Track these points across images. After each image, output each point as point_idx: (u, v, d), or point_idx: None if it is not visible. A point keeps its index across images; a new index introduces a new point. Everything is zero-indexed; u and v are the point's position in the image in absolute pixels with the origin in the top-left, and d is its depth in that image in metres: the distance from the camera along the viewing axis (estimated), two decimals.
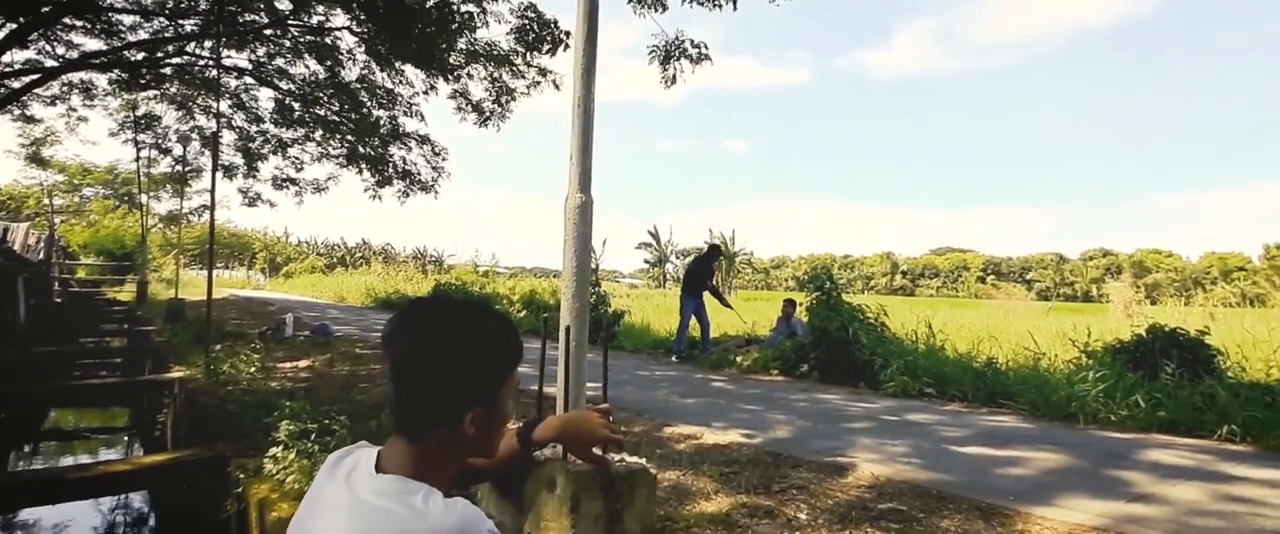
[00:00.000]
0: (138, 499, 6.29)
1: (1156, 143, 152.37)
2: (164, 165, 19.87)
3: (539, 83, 12.63)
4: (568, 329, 1.65)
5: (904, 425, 5.29)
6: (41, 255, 19.27)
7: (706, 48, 9.49)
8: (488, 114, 13.03)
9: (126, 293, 21.93)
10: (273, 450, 3.88)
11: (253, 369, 6.80)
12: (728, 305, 11.11)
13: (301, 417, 4.29)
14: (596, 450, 1.49)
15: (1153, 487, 3.65)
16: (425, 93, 13.61)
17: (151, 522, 6.09)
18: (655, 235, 66.80)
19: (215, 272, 9.75)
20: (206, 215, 21.14)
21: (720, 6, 8.98)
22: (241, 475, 3.83)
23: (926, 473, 3.84)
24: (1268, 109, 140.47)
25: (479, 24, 10.83)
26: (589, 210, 1.76)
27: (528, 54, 11.11)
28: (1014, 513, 3.17)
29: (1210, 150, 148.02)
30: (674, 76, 9.53)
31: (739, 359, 8.89)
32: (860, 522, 3.07)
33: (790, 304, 9.86)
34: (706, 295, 10.09)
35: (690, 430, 4.89)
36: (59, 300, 18.80)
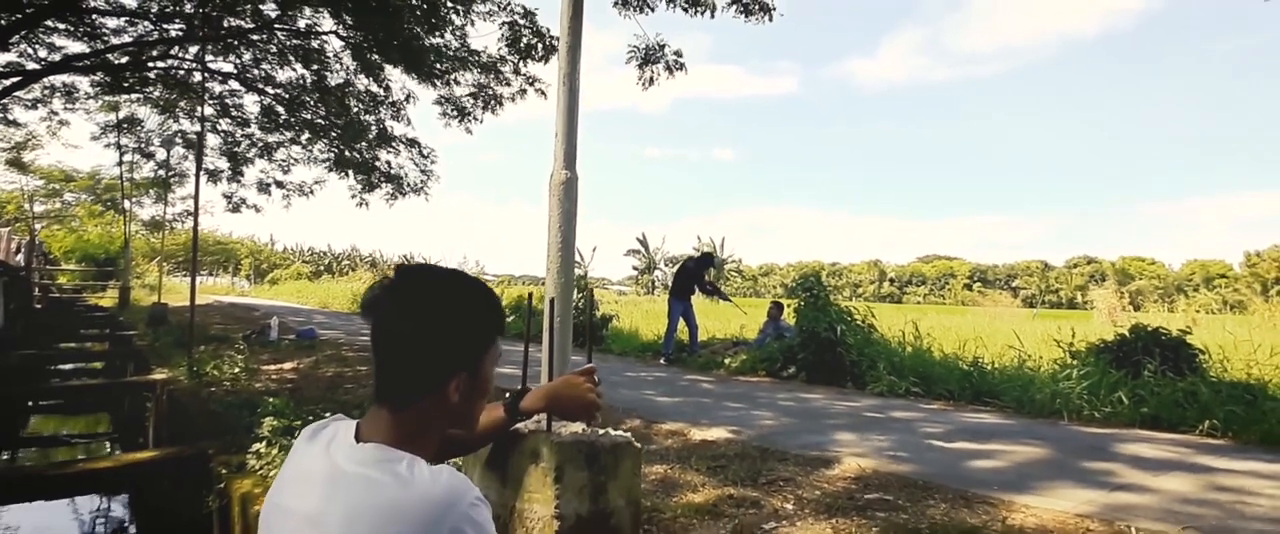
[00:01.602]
0: (119, 497, 6.21)
1: (1141, 151, 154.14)
2: (147, 170, 19.71)
3: (525, 92, 12.66)
4: (552, 302, 1.64)
5: (889, 422, 5.30)
6: (22, 261, 19.02)
7: (682, 56, 9.61)
8: (473, 119, 13.05)
9: (108, 299, 21.68)
10: (256, 446, 3.84)
11: (237, 369, 6.74)
12: (727, 298, 11.14)
13: (285, 413, 4.25)
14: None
15: (1138, 478, 3.68)
16: (409, 99, 13.62)
17: (133, 519, 6.00)
18: (644, 243, 66.91)
19: (199, 278, 9.66)
20: (190, 222, 20.98)
21: (699, 11, 9.09)
22: (223, 471, 3.79)
23: (911, 466, 3.85)
24: (1251, 118, 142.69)
25: (466, 23, 10.85)
26: (574, 187, 1.76)
27: (521, 61, 11.09)
28: (999, 501, 3.18)
29: (1194, 159, 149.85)
30: (651, 79, 9.62)
31: (727, 361, 8.90)
32: (847, 511, 3.07)
33: (777, 307, 9.89)
34: (694, 299, 10.11)
35: (677, 427, 4.89)
36: (40, 306, 18.55)
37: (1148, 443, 4.68)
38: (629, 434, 1.68)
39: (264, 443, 3.85)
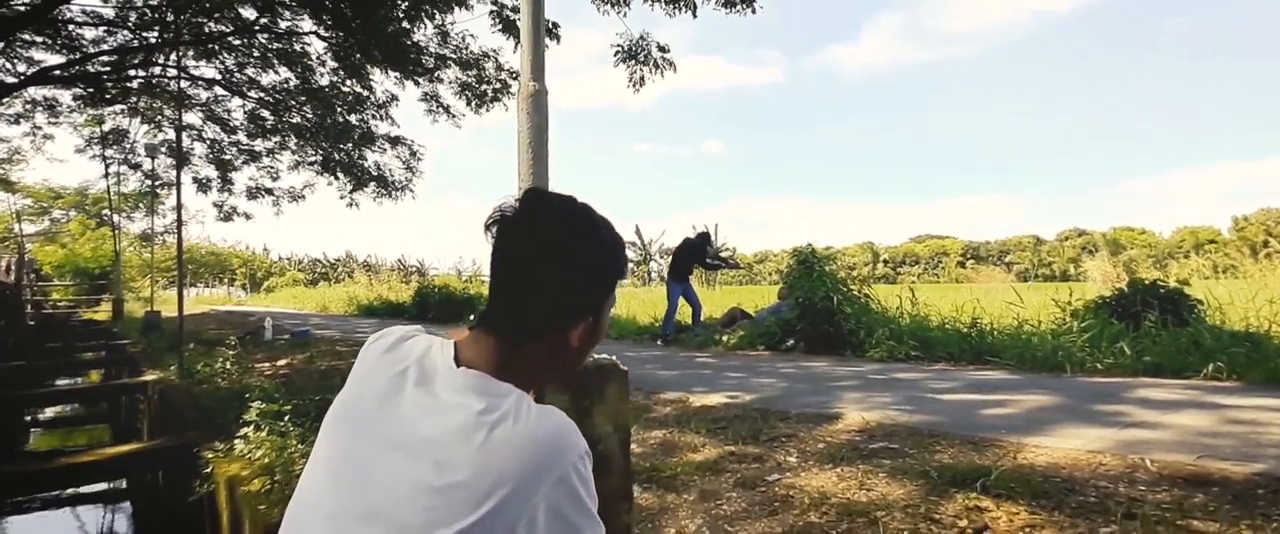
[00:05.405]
0: (111, 488, 6.14)
1: (1123, 126, 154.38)
2: (133, 181, 19.56)
3: (510, 87, 12.54)
4: None
5: (891, 382, 5.22)
6: (12, 279, 18.85)
7: (669, 52, 9.50)
8: (460, 116, 12.96)
9: (102, 313, 21.52)
10: (244, 430, 3.75)
11: (227, 364, 6.63)
12: (736, 266, 11.09)
13: (274, 398, 4.16)
14: None
15: (1149, 416, 3.60)
16: (394, 101, 13.53)
17: (125, 508, 5.93)
18: (639, 235, 66.79)
19: (195, 290, 9.53)
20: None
21: (680, 8, 9.01)
22: (210, 455, 3.69)
23: (916, 417, 3.77)
24: (1228, 90, 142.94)
25: (447, 17, 10.74)
26: (543, 99, 1.67)
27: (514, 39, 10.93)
28: (1009, 444, 3.10)
29: (1175, 131, 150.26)
30: (641, 79, 9.51)
31: (725, 338, 8.81)
32: (852, 460, 2.99)
33: (789, 289, 9.75)
34: (693, 278, 10.01)
35: (677, 396, 4.80)
36: (32, 323, 18.38)
37: (1154, 388, 4.60)
38: (613, 357, 1.59)
39: (252, 428, 3.76)
